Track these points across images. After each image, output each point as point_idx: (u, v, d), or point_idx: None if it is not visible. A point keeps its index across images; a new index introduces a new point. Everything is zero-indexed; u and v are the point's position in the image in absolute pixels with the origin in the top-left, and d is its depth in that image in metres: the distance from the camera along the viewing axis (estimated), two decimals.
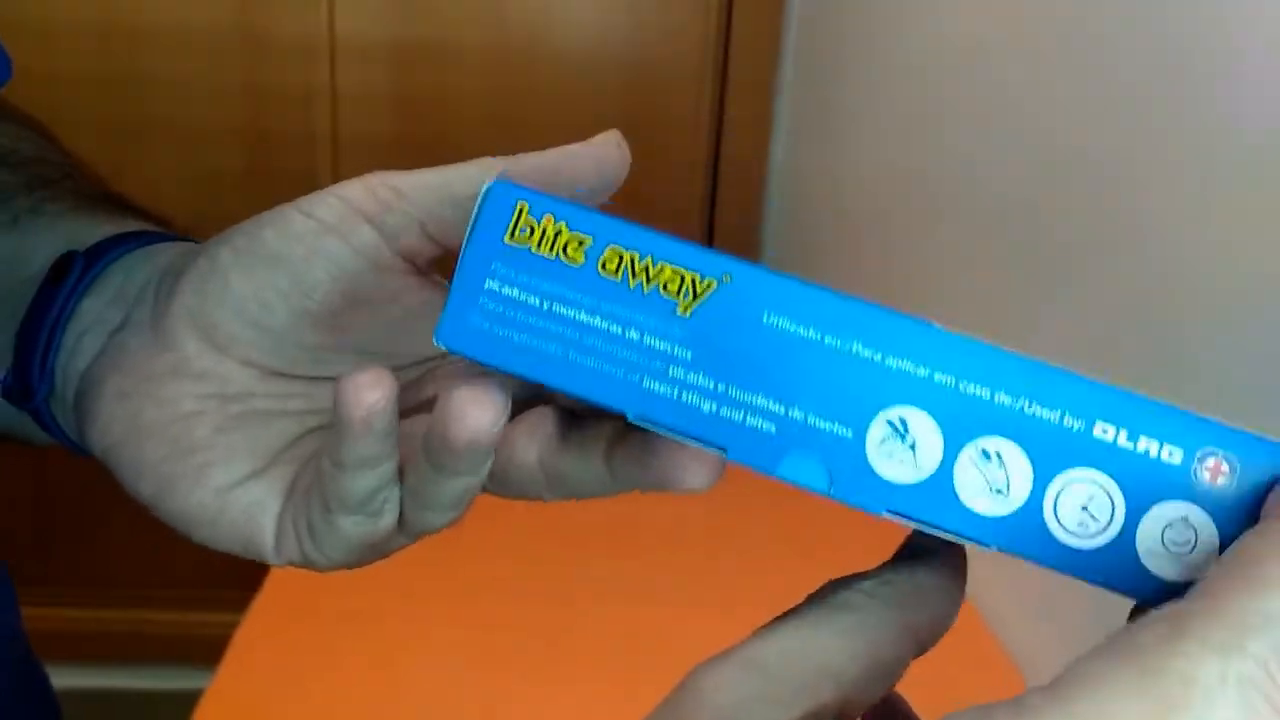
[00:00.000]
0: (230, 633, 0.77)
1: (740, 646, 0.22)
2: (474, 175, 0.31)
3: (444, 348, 0.24)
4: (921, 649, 0.23)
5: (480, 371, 0.32)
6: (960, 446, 0.22)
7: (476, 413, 0.26)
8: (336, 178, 1.47)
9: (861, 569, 0.24)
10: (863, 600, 0.22)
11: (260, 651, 0.76)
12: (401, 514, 0.30)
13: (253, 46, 1.33)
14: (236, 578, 1.04)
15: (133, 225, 0.35)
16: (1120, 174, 0.67)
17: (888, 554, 0.24)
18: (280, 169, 1.36)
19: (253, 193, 1.36)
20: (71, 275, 0.33)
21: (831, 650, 0.22)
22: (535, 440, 0.29)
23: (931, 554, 0.23)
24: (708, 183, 1.42)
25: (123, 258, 0.34)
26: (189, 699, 0.70)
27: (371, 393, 0.26)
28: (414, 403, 0.32)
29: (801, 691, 0.21)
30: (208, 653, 0.78)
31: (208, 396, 0.31)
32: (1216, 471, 0.21)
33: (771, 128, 1.40)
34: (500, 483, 0.30)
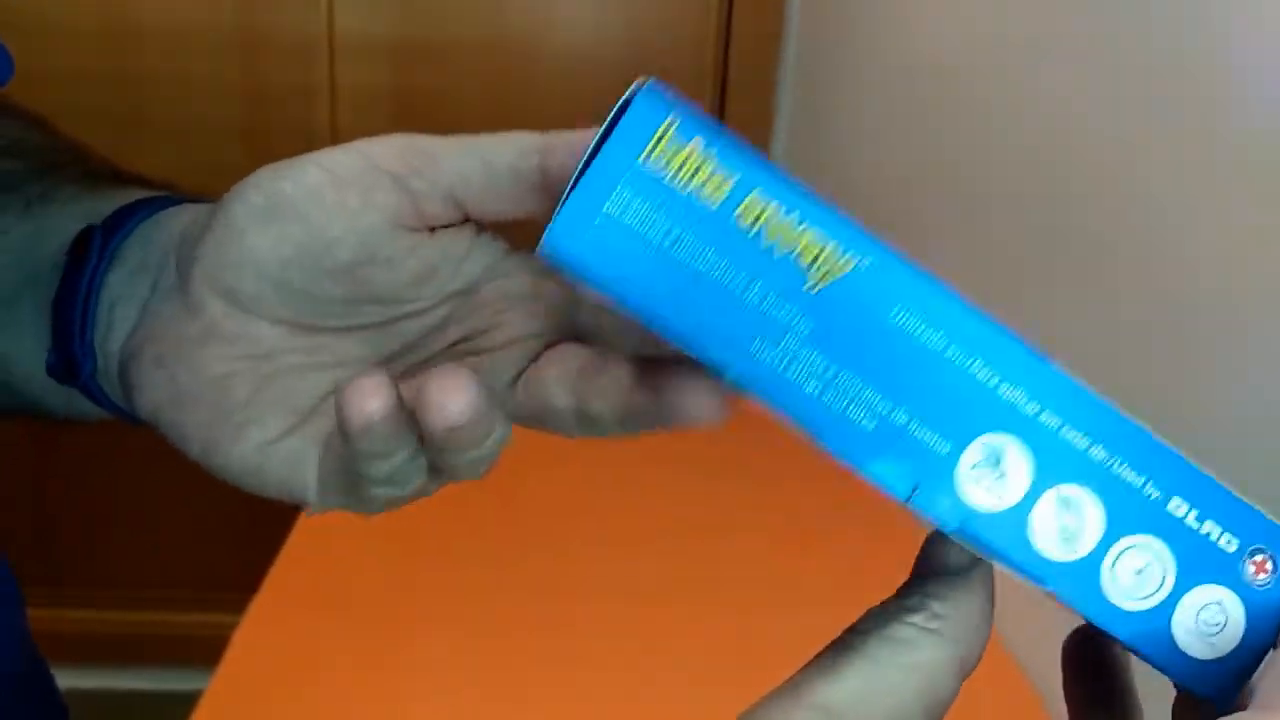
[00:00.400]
0: (229, 634, 0.77)
1: (803, 688, 0.22)
2: (508, 148, 0.30)
3: (546, 259, 0.23)
4: (966, 678, 0.23)
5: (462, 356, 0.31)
6: (1046, 487, 0.22)
7: (449, 402, 0.26)
8: None
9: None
10: (920, 636, 0.23)
11: (259, 653, 0.76)
12: (432, 467, 0.30)
13: (252, 45, 1.33)
14: (235, 579, 1.04)
15: (141, 194, 0.35)
16: (1122, 174, 0.67)
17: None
18: None
19: None
20: (92, 252, 0.33)
21: (899, 692, 0.22)
22: (563, 380, 0.29)
23: (967, 574, 0.24)
24: None
25: (138, 227, 0.34)
26: (188, 700, 0.70)
27: (371, 401, 0.27)
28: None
29: None
30: (207, 654, 0.79)
31: (240, 358, 0.31)
32: (1261, 568, 0.22)
33: (771, 128, 1.40)
34: (531, 419, 0.30)
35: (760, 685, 0.24)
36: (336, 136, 1.36)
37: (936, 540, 0.24)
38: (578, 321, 0.31)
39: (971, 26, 0.91)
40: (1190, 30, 0.60)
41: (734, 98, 1.39)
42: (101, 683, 1.53)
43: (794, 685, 0.22)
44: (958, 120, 0.92)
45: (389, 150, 0.30)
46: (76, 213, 0.35)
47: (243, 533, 1.28)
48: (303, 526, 0.89)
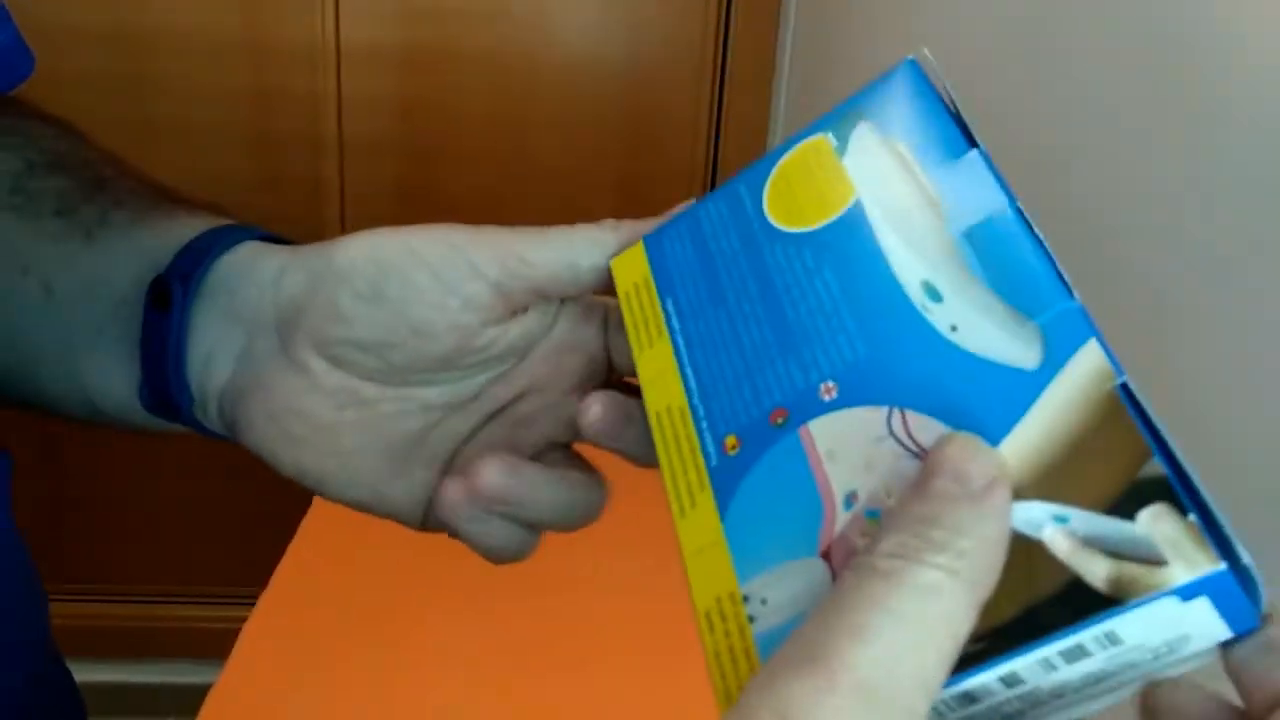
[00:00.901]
0: (239, 628, 0.78)
1: (830, 657, 0.19)
2: (594, 249, 0.34)
3: None
4: None
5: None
6: None
7: (491, 475, 0.34)
8: (341, 181, 1.46)
9: None
10: (945, 581, 0.21)
11: (269, 646, 0.76)
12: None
13: (259, 52, 1.34)
14: (245, 574, 1.04)
15: (199, 224, 0.37)
16: (1123, 174, 0.68)
17: None
18: (286, 173, 1.37)
19: (259, 196, 1.37)
20: (175, 307, 0.35)
21: (927, 655, 0.20)
22: (602, 431, 0.34)
23: (989, 496, 0.22)
24: (707, 183, 1.43)
25: (214, 266, 0.36)
26: (197, 693, 0.71)
27: (466, 507, 0.34)
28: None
29: (909, 715, 0.20)
30: (217, 647, 0.79)
31: (343, 407, 0.35)
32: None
33: (770, 133, 1.41)
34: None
35: None
36: (342, 143, 1.37)
37: (958, 446, 0.22)
38: (613, 362, 0.37)
39: (970, 26, 0.92)
40: (1191, 29, 0.61)
41: (734, 98, 1.40)
42: (109, 677, 1.54)
43: (816, 652, 0.20)
44: None
45: (487, 255, 0.33)
46: (141, 244, 0.37)
47: (252, 529, 1.30)
48: (311, 522, 0.89)
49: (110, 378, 0.37)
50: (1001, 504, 0.22)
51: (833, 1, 1.28)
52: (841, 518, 0.25)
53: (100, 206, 0.38)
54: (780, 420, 0.27)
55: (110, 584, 1.56)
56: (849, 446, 0.25)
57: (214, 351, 0.36)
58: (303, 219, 1.38)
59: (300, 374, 0.35)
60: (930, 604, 0.20)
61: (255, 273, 0.36)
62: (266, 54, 1.34)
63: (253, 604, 0.81)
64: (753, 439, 0.27)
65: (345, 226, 1.39)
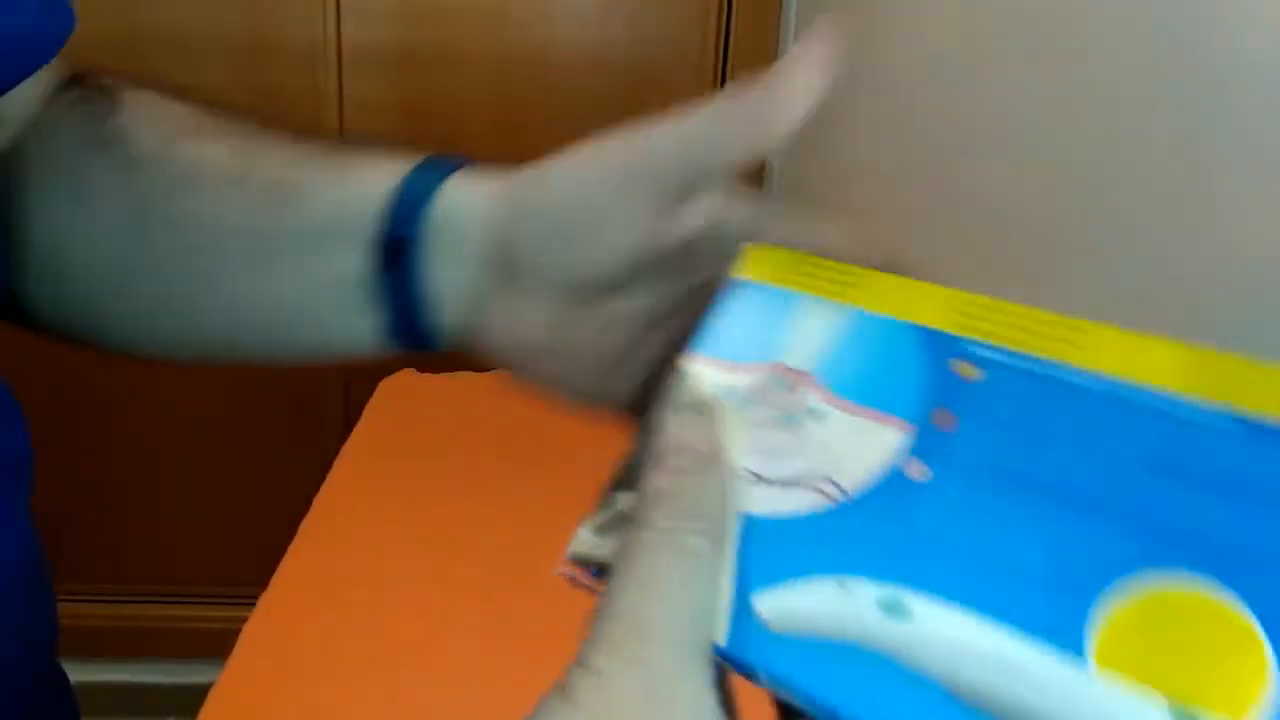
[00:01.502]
0: (239, 627, 0.78)
1: (584, 683, 0.24)
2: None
3: None
4: None
5: None
6: None
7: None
8: None
9: None
10: (708, 549, 0.25)
11: (269, 646, 0.76)
12: None
13: (260, 53, 1.34)
14: (246, 573, 1.04)
15: (397, 168, 0.38)
16: (1123, 173, 0.68)
17: None
18: None
19: None
20: (406, 262, 0.37)
21: (682, 607, 0.25)
22: None
23: (716, 460, 0.27)
24: None
25: (430, 216, 0.37)
26: (197, 693, 0.71)
27: None
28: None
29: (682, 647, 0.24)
30: (217, 647, 0.79)
31: (580, 323, 0.36)
32: None
33: None
34: None
35: None
36: None
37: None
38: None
39: (970, 26, 0.92)
40: (1191, 28, 0.61)
41: None
42: (108, 677, 1.54)
43: (605, 610, 0.24)
44: (956, 121, 0.93)
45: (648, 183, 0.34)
46: (344, 195, 0.38)
47: (253, 528, 1.30)
48: (311, 523, 0.89)
49: (343, 326, 0.38)
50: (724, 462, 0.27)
51: (832, 2, 1.28)
52: None
53: (278, 165, 0.39)
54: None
55: (109, 583, 1.56)
56: None
57: (445, 292, 0.37)
58: None
59: (532, 303, 0.36)
60: (702, 570, 0.25)
61: (469, 212, 0.37)
62: (267, 54, 1.34)
63: (253, 604, 0.81)
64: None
65: None
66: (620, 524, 0.28)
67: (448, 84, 1.36)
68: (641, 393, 0.37)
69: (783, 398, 0.29)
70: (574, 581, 0.28)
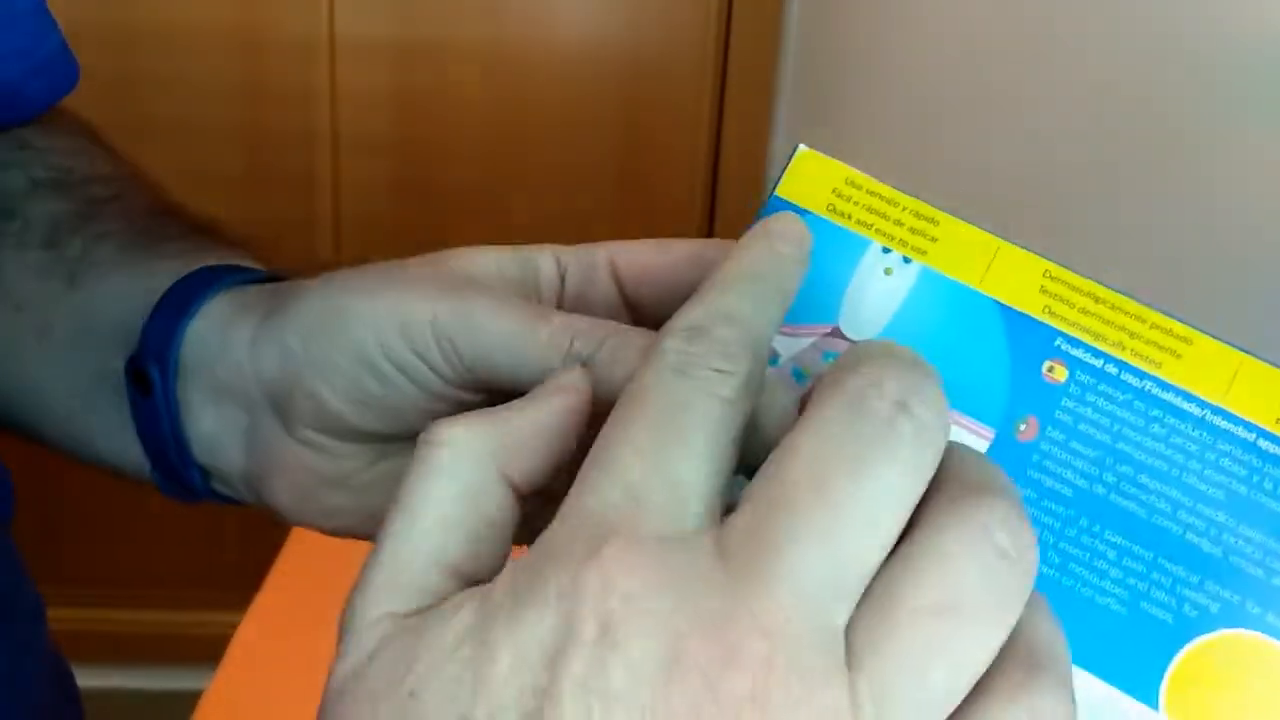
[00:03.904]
0: (230, 632, 0.77)
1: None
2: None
3: None
4: None
5: None
6: None
7: None
8: (336, 177, 1.46)
9: None
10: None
11: (260, 651, 0.76)
12: None
13: (252, 45, 1.33)
14: (236, 577, 1.03)
15: (174, 267, 0.35)
16: (1124, 173, 0.67)
17: None
18: (280, 168, 1.36)
19: (252, 192, 1.36)
20: (156, 390, 0.33)
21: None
22: None
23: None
24: (708, 182, 1.42)
25: (185, 343, 0.33)
26: (189, 699, 0.70)
27: None
28: None
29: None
30: (208, 652, 0.79)
31: (374, 463, 0.32)
32: None
33: (771, 127, 1.40)
34: None
35: None
36: (337, 137, 1.36)
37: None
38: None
39: (971, 25, 0.91)
40: (1192, 27, 0.61)
41: (734, 97, 1.39)
42: (100, 682, 1.54)
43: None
44: (957, 118, 0.92)
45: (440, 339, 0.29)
46: (119, 292, 0.35)
47: (244, 531, 1.29)
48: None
49: (116, 440, 0.35)
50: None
51: (834, 2, 1.27)
52: None
53: (85, 240, 0.36)
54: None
55: (99, 587, 1.55)
56: None
57: (218, 433, 0.33)
58: (296, 214, 1.37)
59: (316, 451, 0.32)
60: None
61: (229, 347, 0.33)
62: (259, 47, 1.33)
63: (244, 609, 0.80)
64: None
65: (339, 222, 1.38)
66: None
67: (443, 77, 1.35)
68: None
69: None
70: None
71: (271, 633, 0.78)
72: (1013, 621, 0.18)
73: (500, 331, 0.27)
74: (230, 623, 0.78)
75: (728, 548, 0.18)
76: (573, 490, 0.20)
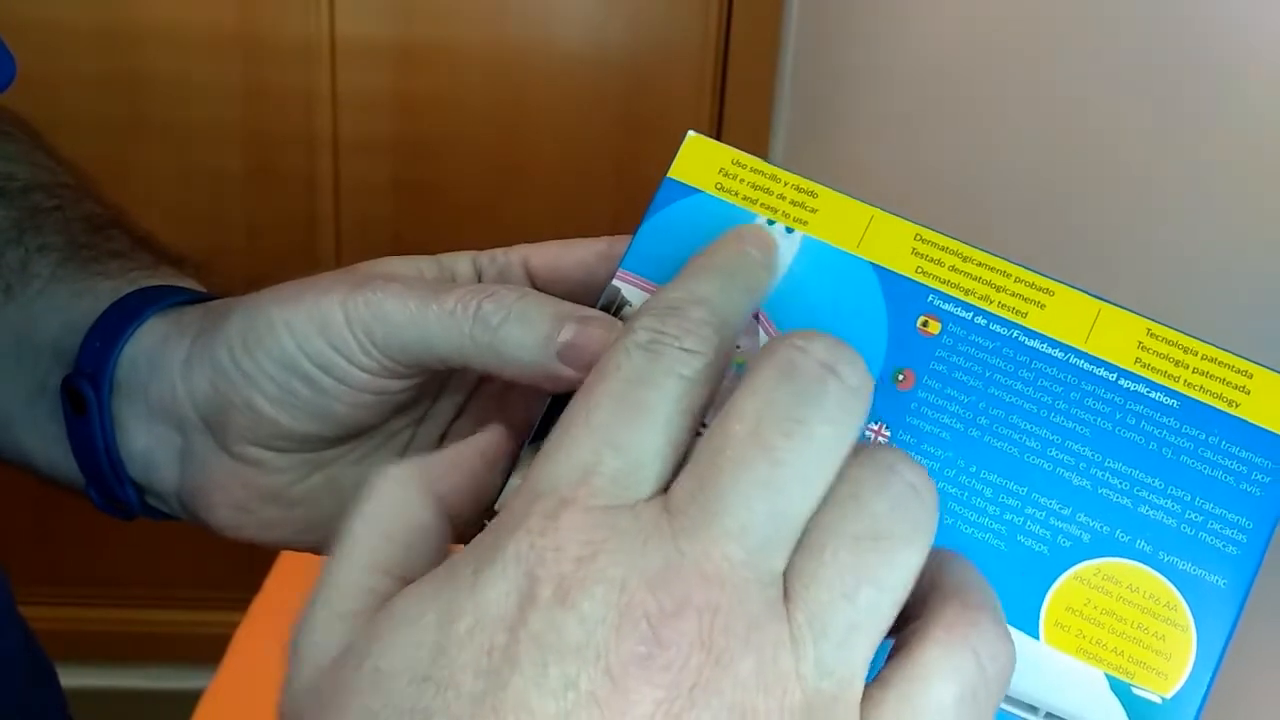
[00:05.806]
0: (231, 632, 0.77)
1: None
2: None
3: None
4: None
5: None
6: None
7: None
8: (336, 179, 1.46)
9: None
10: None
11: (260, 651, 0.76)
12: None
13: (253, 47, 1.33)
14: (237, 578, 1.04)
15: (111, 286, 0.35)
16: (1124, 174, 0.67)
17: None
18: (280, 170, 1.36)
19: (252, 193, 1.36)
20: (91, 410, 0.34)
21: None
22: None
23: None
24: None
25: (120, 364, 0.34)
26: (188, 699, 0.70)
27: None
28: None
29: None
30: (208, 652, 0.79)
31: (307, 476, 0.33)
32: None
33: (771, 127, 1.40)
34: None
35: None
36: (337, 139, 1.36)
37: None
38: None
39: (971, 27, 0.91)
40: (1192, 26, 0.61)
41: (734, 98, 1.39)
42: (98, 682, 1.54)
43: None
44: (957, 122, 0.92)
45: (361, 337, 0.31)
46: (57, 306, 0.35)
47: None
48: None
49: (52, 452, 0.36)
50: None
51: (833, 4, 1.27)
52: None
53: (24, 251, 0.36)
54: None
55: (99, 587, 1.55)
56: None
57: (152, 451, 0.34)
58: (296, 215, 1.37)
59: (250, 465, 0.33)
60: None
61: (162, 370, 0.33)
62: (260, 49, 1.33)
63: (245, 608, 0.80)
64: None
65: (340, 224, 1.38)
66: None
67: (443, 79, 1.35)
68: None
69: None
70: None
71: (271, 633, 0.78)
72: (925, 545, 0.20)
73: (405, 310, 0.29)
74: (230, 623, 0.79)
75: (674, 505, 0.20)
76: (534, 463, 0.21)
